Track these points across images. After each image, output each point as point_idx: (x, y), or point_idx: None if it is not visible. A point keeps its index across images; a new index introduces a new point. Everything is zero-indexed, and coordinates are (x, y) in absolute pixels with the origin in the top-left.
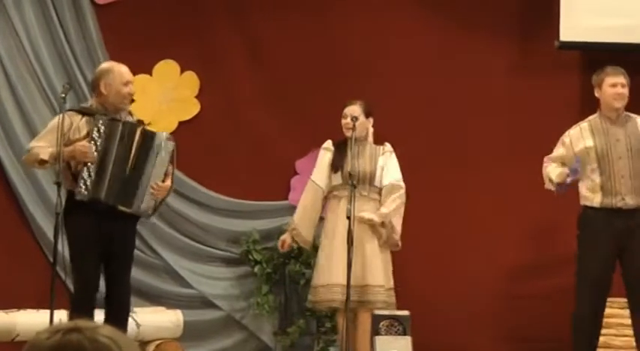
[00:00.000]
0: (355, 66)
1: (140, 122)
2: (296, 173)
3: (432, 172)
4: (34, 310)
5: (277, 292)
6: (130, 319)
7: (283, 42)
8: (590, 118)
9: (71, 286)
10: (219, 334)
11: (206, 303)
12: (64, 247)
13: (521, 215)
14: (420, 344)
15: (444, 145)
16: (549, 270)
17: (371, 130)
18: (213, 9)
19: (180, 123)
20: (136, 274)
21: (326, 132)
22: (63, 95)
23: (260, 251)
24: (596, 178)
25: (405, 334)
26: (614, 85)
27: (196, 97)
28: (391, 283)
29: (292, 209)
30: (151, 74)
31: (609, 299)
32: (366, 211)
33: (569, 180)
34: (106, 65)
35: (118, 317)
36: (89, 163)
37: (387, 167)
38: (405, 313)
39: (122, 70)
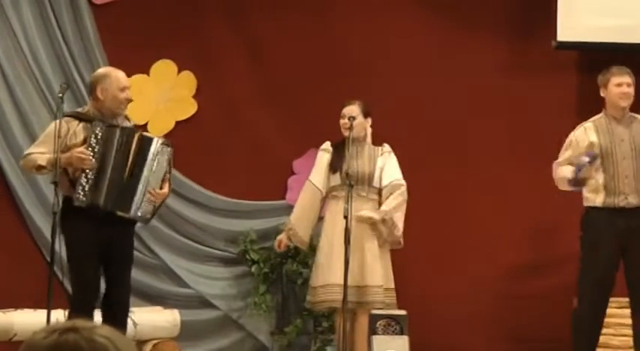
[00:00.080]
0: (355, 66)
1: (137, 127)
2: (293, 173)
3: (432, 171)
4: (32, 310)
5: (274, 292)
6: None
7: (281, 41)
8: (595, 118)
9: (68, 287)
10: (217, 334)
11: (203, 302)
12: (61, 247)
13: (520, 215)
14: (418, 344)
15: (444, 145)
16: (549, 270)
17: (369, 130)
18: (211, 9)
19: (178, 123)
20: (134, 273)
21: (323, 132)
22: (60, 95)
23: (257, 251)
24: (600, 178)
25: (402, 333)
26: (619, 85)
27: (193, 96)
28: (391, 284)
29: (289, 209)
30: (148, 74)
31: None
32: (365, 210)
33: (586, 161)
34: (102, 70)
35: (117, 317)
36: (87, 170)
37: (387, 167)
38: (402, 312)
39: (119, 75)
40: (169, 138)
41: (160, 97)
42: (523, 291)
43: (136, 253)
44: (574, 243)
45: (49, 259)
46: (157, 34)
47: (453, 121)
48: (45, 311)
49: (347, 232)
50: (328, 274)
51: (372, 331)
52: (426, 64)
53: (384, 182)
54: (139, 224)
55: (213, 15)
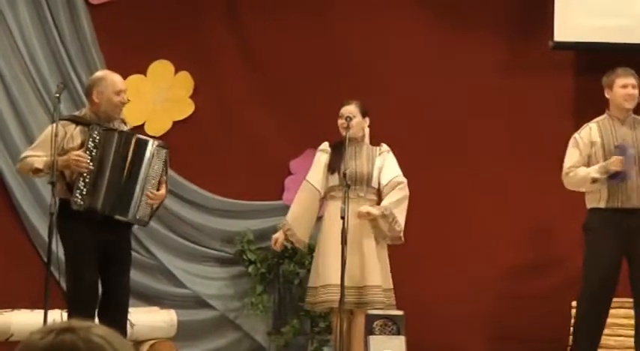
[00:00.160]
0: (355, 66)
1: (133, 130)
2: (290, 173)
3: (431, 171)
4: (29, 310)
5: (271, 292)
6: None
7: (278, 41)
8: (598, 119)
9: (64, 286)
10: (213, 334)
11: (200, 303)
12: (58, 248)
13: (520, 215)
14: (415, 344)
15: (443, 145)
16: (549, 270)
17: (367, 130)
18: (208, 9)
19: (175, 123)
20: (131, 274)
21: (321, 132)
22: (57, 95)
23: (254, 251)
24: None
25: (399, 333)
26: (625, 87)
27: (190, 97)
28: (390, 284)
29: (286, 209)
30: (145, 74)
31: None
32: None
33: (632, 153)
34: (99, 73)
35: (116, 320)
36: (84, 173)
37: (386, 166)
38: (399, 312)
39: (115, 78)
40: (166, 138)
41: (157, 98)
42: (523, 291)
43: (133, 253)
44: (574, 243)
45: (45, 259)
46: (154, 34)
47: (451, 121)
48: (42, 311)
49: (344, 232)
50: (327, 274)
51: (369, 331)
52: (425, 64)
53: (384, 181)
54: (135, 226)
55: (210, 15)
